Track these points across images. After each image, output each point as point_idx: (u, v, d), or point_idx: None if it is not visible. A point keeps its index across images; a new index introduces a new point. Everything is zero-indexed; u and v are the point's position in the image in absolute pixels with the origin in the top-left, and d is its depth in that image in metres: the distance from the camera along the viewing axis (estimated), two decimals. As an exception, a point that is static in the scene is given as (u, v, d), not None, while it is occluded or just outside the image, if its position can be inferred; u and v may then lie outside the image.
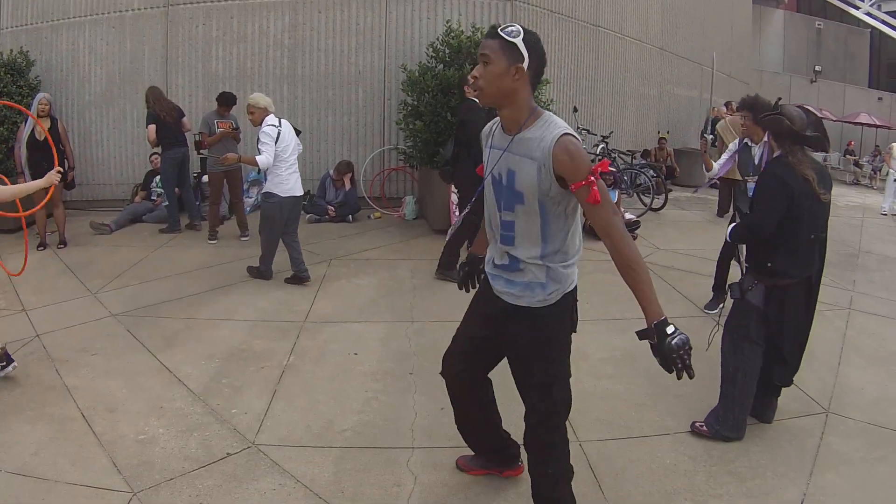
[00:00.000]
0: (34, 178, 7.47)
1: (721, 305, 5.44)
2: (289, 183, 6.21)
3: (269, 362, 4.77)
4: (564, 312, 2.73)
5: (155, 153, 9.16)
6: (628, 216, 8.63)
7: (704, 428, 3.84)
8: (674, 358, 2.31)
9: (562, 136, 2.47)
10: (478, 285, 3.15)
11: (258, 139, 6.05)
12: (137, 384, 4.44)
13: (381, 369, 4.69)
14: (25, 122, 7.76)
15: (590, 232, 8.79)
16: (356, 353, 4.92)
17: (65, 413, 4.07)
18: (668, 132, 14.24)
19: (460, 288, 3.27)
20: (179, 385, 4.43)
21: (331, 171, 9.43)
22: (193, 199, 8.86)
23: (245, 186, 9.11)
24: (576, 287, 2.76)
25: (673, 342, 2.31)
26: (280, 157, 6.09)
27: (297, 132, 6.48)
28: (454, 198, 7.31)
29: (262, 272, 6.57)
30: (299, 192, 6.38)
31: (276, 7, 9.80)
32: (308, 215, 9.04)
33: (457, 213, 7.28)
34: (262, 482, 3.40)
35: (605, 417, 4.02)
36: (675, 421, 3.99)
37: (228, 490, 3.34)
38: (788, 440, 3.82)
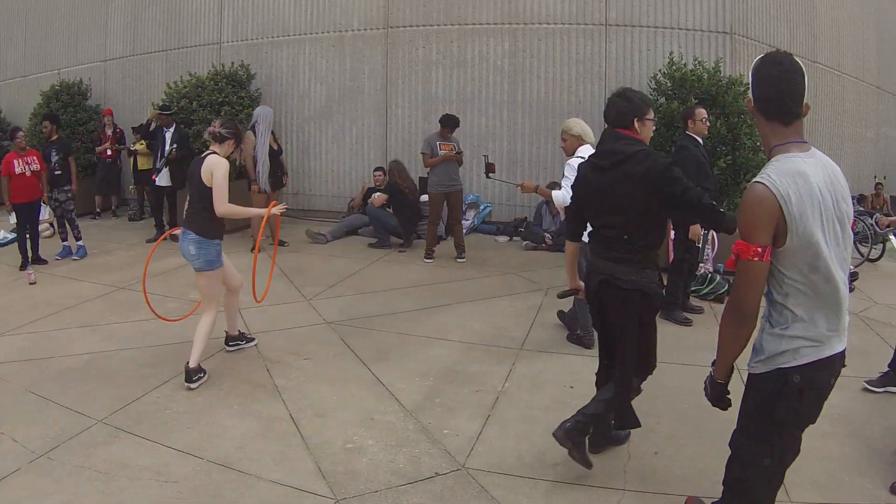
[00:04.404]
0: (272, 187, 8.14)
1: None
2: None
3: (484, 386, 4.52)
4: None
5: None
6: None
7: None
8: None
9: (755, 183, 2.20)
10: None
11: (564, 172, 5.20)
12: (348, 393, 4.36)
13: (597, 406, 4.20)
14: (256, 136, 8.15)
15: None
16: (572, 387, 4.50)
17: (273, 412, 4.06)
18: (885, 177, 13.06)
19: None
20: (391, 399, 4.28)
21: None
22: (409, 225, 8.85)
23: (462, 208, 8.95)
24: None
25: None
26: None
27: None
28: (672, 234, 6.61)
29: (581, 338, 5.34)
30: None
31: (496, 33, 9.73)
32: (524, 243, 8.79)
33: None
34: (469, 506, 3.17)
35: (818, 479, 3.55)
36: (888, 492, 3.45)
37: (433, 510, 3.19)
38: None
